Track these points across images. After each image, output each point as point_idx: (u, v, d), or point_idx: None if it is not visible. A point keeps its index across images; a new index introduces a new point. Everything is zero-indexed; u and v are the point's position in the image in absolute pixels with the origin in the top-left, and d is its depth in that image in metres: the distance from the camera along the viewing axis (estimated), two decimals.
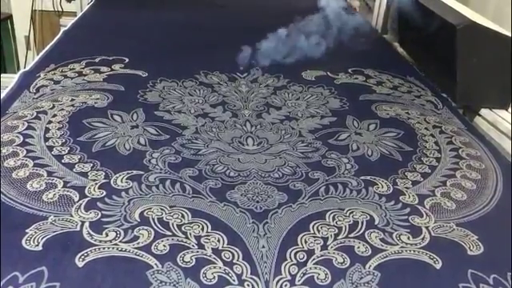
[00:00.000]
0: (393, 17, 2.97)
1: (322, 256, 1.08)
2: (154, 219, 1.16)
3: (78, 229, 1.11)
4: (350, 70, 2.15)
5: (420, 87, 2.06)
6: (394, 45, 2.74)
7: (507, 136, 1.80)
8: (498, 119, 1.90)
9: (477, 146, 1.63)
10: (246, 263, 1.04)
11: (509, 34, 1.91)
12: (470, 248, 1.15)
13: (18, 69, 3.76)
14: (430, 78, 2.20)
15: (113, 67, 1.99)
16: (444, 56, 2.11)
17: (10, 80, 1.89)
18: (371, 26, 3.05)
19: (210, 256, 1.06)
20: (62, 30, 2.50)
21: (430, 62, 2.33)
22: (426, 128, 1.72)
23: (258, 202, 1.26)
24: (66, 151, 1.41)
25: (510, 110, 1.97)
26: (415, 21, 2.46)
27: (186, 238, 1.11)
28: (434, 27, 2.22)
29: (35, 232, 1.09)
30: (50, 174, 1.30)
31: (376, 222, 1.21)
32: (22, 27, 3.89)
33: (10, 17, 3.97)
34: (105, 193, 1.24)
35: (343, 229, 1.18)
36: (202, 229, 1.14)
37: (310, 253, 1.09)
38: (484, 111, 1.98)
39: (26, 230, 1.09)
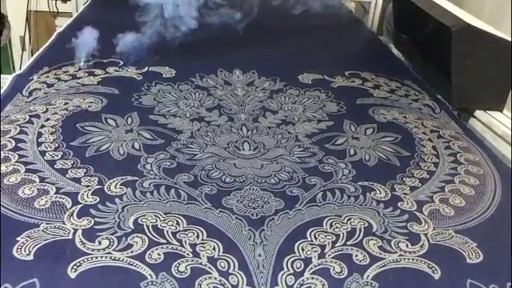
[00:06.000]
0: (388, 18, 2.96)
1: (319, 265, 1.06)
2: (148, 226, 1.14)
3: (71, 237, 1.09)
4: (346, 73, 2.13)
5: (417, 91, 2.05)
6: (390, 46, 2.73)
7: (503, 139, 1.79)
8: (493, 121, 1.89)
9: (475, 150, 1.62)
10: (241, 273, 1.02)
11: (503, 36, 1.90)
12: (469, 256, 1.14)
13: (14, 70, 3.74)
14: (425, 79, 2.19)
15: (107, 70, 1.97)
16: (439, 58, 2.11)
17: (5, 82, 1.87)
18: (367, 27, 3.04)
19: (205, 265, 1.04)
20: (57, 31, 2.47)
21: (425, 64, 2.33)
22: (423, 132, 1.70)
23: (254, 208, 1.24)
24: (59, 156, 1.39)
25: (506, 112, 1.96)
26: (410, 22, 2.46)
27: (181, 246, 1.09)
28: (429, 29, 2.22)
29: (26, 240, 1.06)
30: (42, 179, 1.28)
31: (374, 229, 1.19)
32: (17, 28, 3.85)
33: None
34: (98, 199, 1.22)
35: (341, 236, 1.16)
36: (198, 236, 1.12)
37: (307, 261, 1.07)
38: (479, 113, 1.97)
39: (17, 238, 1.07)
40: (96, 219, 1.15)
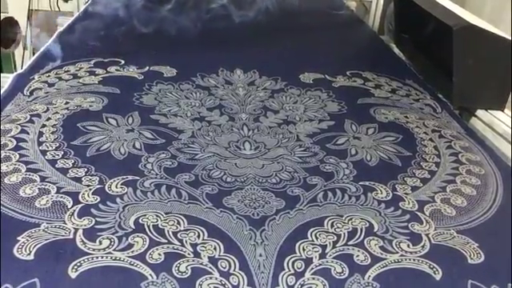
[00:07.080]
0: (389, 18, 2.96)
1: (320, 265, 1.06)
2: (149, 226, 1.14)
3: (71, 236, 1.09)
4: (348, 73, 2.13)
5: (419, 90, 2.04)
6: (391, 45, 2.73)
7: (504, 138, 1.79)
8: (494, 120, 1.89)
9: (476, 150, 1.62)
10: (242, 273, 1.02)
11: (504, 35, 1.90)
12: (470, 256, 1.13)
13: (15, 68, 3.74)
14: (427, 78, 2.19)
15: (108, 69, 1.97)
16: (440, 57, 2.10)
17: (6, 81, 1.86)
18: (368, 26, 3.03)
19: (206, 265, 1.04)
20: (58, 30, 2.47)
21: (426, 63, 2.32)
22: (425, 132, 1.70)
23: (255, 208, 1.24)
24: (60, 156, 1.39)
25: (507, 111, 1.96)
26: (412, 22, 2.45)
27: (182, 245, 1.09)
28: (430, 28, 2.21)
29: (27, 240, 1.06)
30: (43, 179, 1.28)
31: (375, 229, 1.19)
32: None
33: None
34: (99, 199, 1.22)
35: (342, 236, 1.16)
36: (198, 236, 1.12)
37: (308, 262, 1.07)
38: (480, 112, 1.97)
39: (18, 238, 1.07)
40: (97, 219, 1.15)
